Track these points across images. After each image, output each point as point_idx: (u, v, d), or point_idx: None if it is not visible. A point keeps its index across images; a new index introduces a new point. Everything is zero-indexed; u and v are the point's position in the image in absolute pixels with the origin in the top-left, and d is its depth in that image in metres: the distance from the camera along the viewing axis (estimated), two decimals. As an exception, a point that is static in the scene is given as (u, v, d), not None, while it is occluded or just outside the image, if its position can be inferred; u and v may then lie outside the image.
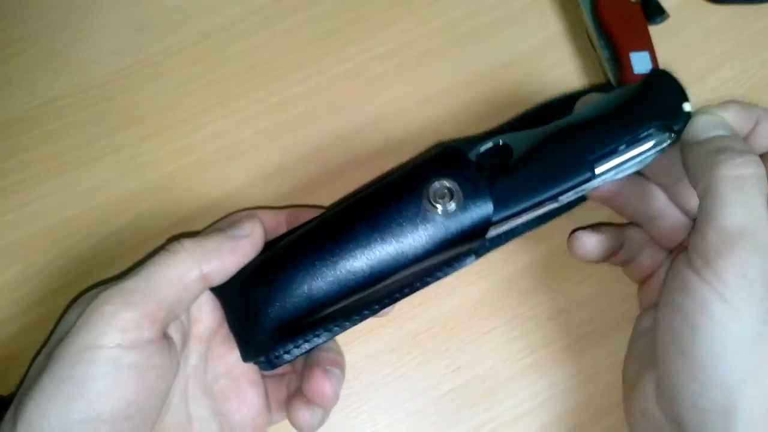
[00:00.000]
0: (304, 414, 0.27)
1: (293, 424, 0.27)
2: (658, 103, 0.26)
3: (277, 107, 0.36)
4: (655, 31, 0.36)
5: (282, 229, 0.30)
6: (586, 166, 0.26)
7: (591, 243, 0.30)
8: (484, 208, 0.25)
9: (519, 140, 0.27)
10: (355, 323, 0.28)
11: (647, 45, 0.36)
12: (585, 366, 0.33)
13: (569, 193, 0.26)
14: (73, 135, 0.35)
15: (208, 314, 0.28)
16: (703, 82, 0.37)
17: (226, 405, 0.27)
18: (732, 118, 0.26)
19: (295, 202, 0.34)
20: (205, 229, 0.31)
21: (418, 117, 0.36)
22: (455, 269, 0.28)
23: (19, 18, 0.37)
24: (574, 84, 0.37)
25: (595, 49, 0.37)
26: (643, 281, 0.31)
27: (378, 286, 0.26)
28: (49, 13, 0.38)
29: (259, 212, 0.29)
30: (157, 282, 0.24)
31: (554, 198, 0.26)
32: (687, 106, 0.26)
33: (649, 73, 0.27)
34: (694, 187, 0.25)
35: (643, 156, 0.27)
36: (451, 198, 0.25)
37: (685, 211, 0.29)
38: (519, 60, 0.37)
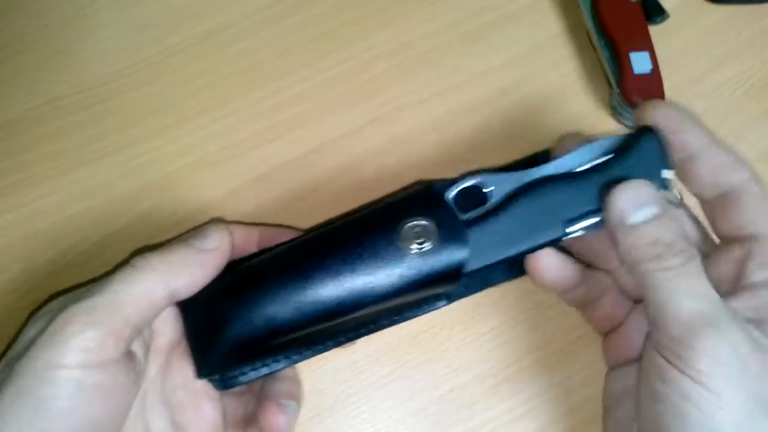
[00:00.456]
0: None
1: None
2: (638, 165, 0.26)
3: (276, 107, 0.36)
4: (655, 31, 0.36)
5: (252, 248, 0.29)
6: (561, 226, 0.26)
7: (553, 264, 0.28)
8: (458, 253, 0.25)
9: (498, 181, 0.26)
10: (317, 353, 0.27)
11: (647, 45, 0.36)
12: (584, 367, 0.33)
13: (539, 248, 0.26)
14: (73, 135, 0.35)
15: (170, 327, 0.27)
16: (703, 82, 0.37)
17: (183, 417, 0.27)
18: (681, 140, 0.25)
19: (295, 202, 0.34)
20: (173, 239, 0.30)
21: (418, 117, 0.36)
22: (425, 311, 0.28)
23: (19, 18, 0.37)
24: (574, 84, 0.37)
25: (594, 49, 0.37)
26: (606, 333, 0.30)
27: (343, 319, 0.26)
28: (49, 13, 0.38)
29: (230, 225, 0.28)
30: (123, 299, 0.24)
31: (527, 253, 0.26)
32: (666, 173, 0.25)
33: (635, 132, 0.26)
34: (627, 272, 0.24)
35: None
36: (428, 239, 0.25)
37: None
38: (519, 60, 0.37)
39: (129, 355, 0.24)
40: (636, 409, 0.25)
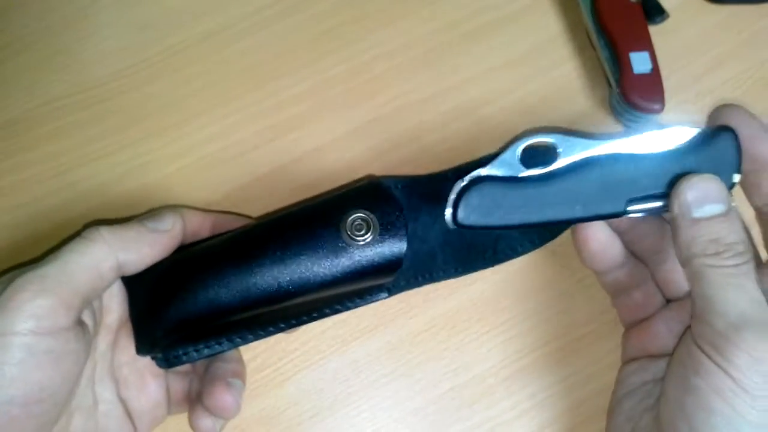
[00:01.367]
0: (206, 422, 0.28)
1: (195, 430, 0.28)
2: (711, 162, 0.26)
3: (276, 107, 0.36)
4: (654, 31, 0.36)
5: (205, 233, 0.30)
6: (624, 203, 0.26)
7: (603, 237, 0.28)
8: (397, 246, 0.26)
9: (569, 145, 0.26)
10: (258, 338, 0.27)
11: (647, 45, 0.36)
12: (583, 366, 0.33)
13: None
14: (73, 135, 0.35)
15: (118, 305, 0.28)
16: (703, 82, 0.37)
17: (128, 392, 0.28)
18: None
19: (294, 202, 0.35)
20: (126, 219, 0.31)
21: (418, 117, 0.36)
22: (367, 302, 0.28)
23: (19, 18, 0.37)
24: (574, 83, 0.37)
25: (594, 49, 0.37)
26: (631, 326, 0.30)
27: (284, 304, 0.26)
28: (50, 13, 0.38)
29: (184, 210, 0.29)
30: (73, 269, 0.24)
31: (581, 221, 0.27)
32: (736, 178, 0.26)
33: (715, 128, 0.26)
34: (681, 264, 0.25)
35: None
36: (368, 231, 0.26)
37: None
38: (519, 60, 0.38)
39: (80, 323, 0.25)
40: (661, 402, 0.25)
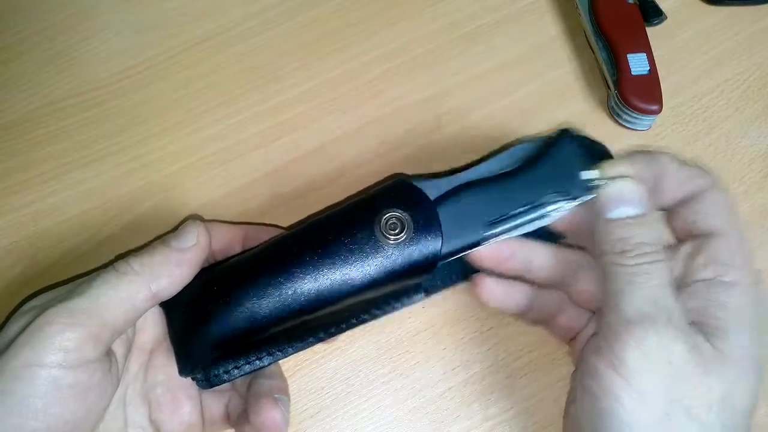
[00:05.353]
0: None
1: None
2: (558, 167, 0.26)
3: (277, 108, 0.36)
4: (652, 32, 0.37)
5: (237, 247, 0.29)
6: (482, 229, 0.26)
7: (496, 292, 0.29)
8: (433, 242, 0.26)
9: (430, 187, 0.27)
10: (297, 350, 0.27)
11: (645, 46, 0.36)
12: (583, 364, 0.33)
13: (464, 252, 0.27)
14: (75, 136, 0.36)
15: (153, 325, 0.28)
16: (700, 84, 0.38)
17: (160, 414, 0.27)
18: (636, 173, 0.26)
19: (295, 203, 0.35)
20: (150, 242, 0.31)
21: (418, 117, 0.36)
22: (404, 305, 0.28)
23: (20, 20, 0.38)
24: (572, 85, 0.38)
25: (593, 51, 0.38)
26: (571, 339, 0.30)
27: (323, 312, 0.26)
28: (51, 15, 0.38)
29: (213, 226, 0.28)
30: (105, 303, 0.24)
31: (452, 256, 0.27)
32: (586, 174, 0.26)
33: (555, 134, 0.27)
34: (598, 261, 0.25)
35: (541, 220, 0.27)
36: (402, 229, 0.26)
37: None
38: (518, 61, 0.38)
39: (108, 355, 0.25)
40: (572, 406, 0.25)
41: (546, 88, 0.37)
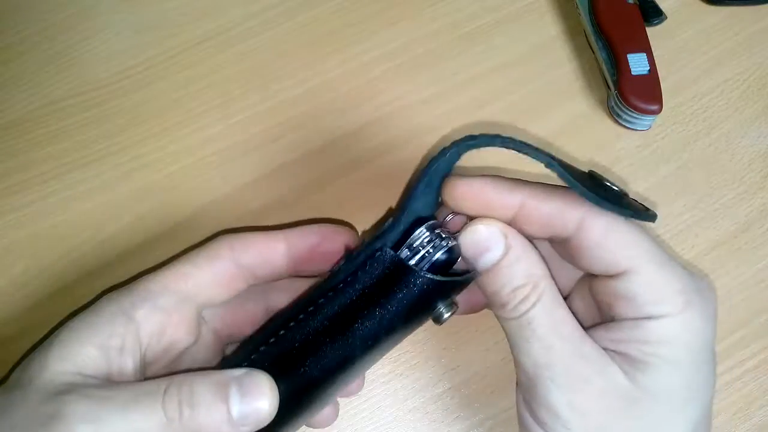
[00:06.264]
0: None
1: None
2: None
3: (277, 108, 0.36)
4: (652, 32, 0.37)
5: (278, 258, 0.26)
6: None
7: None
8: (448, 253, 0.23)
9: None
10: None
11: (645, 46, 0.36)
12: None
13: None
14: (75, 136, 0.36)
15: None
16: (700, 84, 0.38)
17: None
18: (492, 206, 0.23)
19: (295, 203, 0.35)
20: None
21: (418, 118, 0.36)
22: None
23: (20, 20, 0.38)
24: (572, 85, 0.38)
25: (593, 51, 0.38)
26: None
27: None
28: (51, 15, 0.38)
29: (236, 237, 0.25)
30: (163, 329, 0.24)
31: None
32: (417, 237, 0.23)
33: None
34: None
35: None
36: (451, 308, 0.24)
37: None
38: (518, 61, 0.38)
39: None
40: None
41: (546, 88, 0.37)
